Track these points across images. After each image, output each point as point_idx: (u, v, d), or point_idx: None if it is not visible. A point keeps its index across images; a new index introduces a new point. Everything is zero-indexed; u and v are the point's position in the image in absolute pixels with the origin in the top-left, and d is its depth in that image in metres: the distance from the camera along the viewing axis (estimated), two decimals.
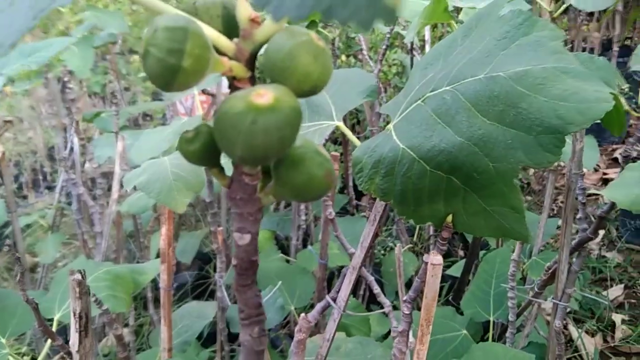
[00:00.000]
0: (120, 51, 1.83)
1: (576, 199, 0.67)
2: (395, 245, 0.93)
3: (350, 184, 1.53)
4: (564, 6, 0.77)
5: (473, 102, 0.36)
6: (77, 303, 0.45)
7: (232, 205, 0.19)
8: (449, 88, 0.38)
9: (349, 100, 0.50)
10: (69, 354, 0.50)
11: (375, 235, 0.49)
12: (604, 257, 1.68)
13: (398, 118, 0.42)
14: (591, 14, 2.37)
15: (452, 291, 1.22)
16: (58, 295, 0.75)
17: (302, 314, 0.50)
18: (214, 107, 1.18)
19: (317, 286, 0.95)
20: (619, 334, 1.37)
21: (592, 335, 1.37)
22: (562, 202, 1.48)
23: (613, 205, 0.58)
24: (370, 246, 0.50)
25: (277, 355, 1.14)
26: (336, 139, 1.97)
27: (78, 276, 0.45)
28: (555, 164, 0.98)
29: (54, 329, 0.69)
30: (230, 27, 0.19)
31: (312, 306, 1.06)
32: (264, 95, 0.15)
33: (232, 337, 1.03)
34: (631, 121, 1.97)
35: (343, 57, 1.80)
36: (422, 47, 1.58)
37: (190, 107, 1.43)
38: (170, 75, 0.16)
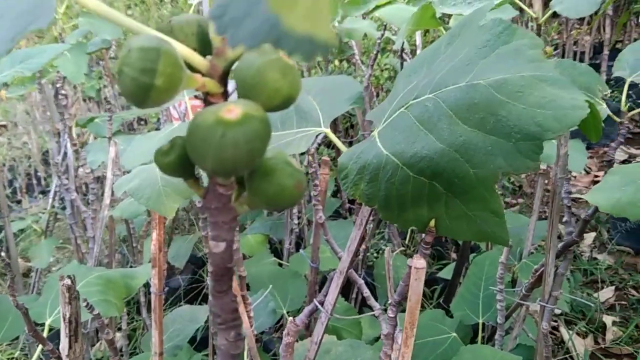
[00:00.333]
0: (114, 56, 1.83)
1: (561, 203, 0.68)
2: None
3: None
4: (550, 12, 0.78)
5: (454, 109, 0.37)
6: (66, 308, 0.46)
7: (208, 214, 0.20)
8: (432, 95, 0.39)
9: (335, 107, 0.51)
10: (60, 358, 0.50)
11: (362, 238, 0.49)
12: (595, 259, 1.69)
13: (382, 125, 0.43)
14: (582, 18, 2.39)
15: (444, 294, 1.23)
16: (49, 300, 0.75)
17: (290, 318, 0.51)
18: None
19: (308, 290, 0.96)
20: (609, 336, 1.38)
21: (583, 337, 1.38)
22: None
23: (597, 208, 0.59)
24: (358, 250, 0.50)
25: (270, 358, 1.15)
26: (329, 143, 1.98)
27: (68, 281, 0.45)
28: (546, 166, 0.99)
29: (45, 334, 0.69)
30: (204, 45, 0.20)
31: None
32: (233, 110, 0.16)
33: None
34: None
35: (336, 62, 1.81)
36: (414, 52, 1.59)
37: (184, 112, 1.43)
38: (143, 93, 0.17)
